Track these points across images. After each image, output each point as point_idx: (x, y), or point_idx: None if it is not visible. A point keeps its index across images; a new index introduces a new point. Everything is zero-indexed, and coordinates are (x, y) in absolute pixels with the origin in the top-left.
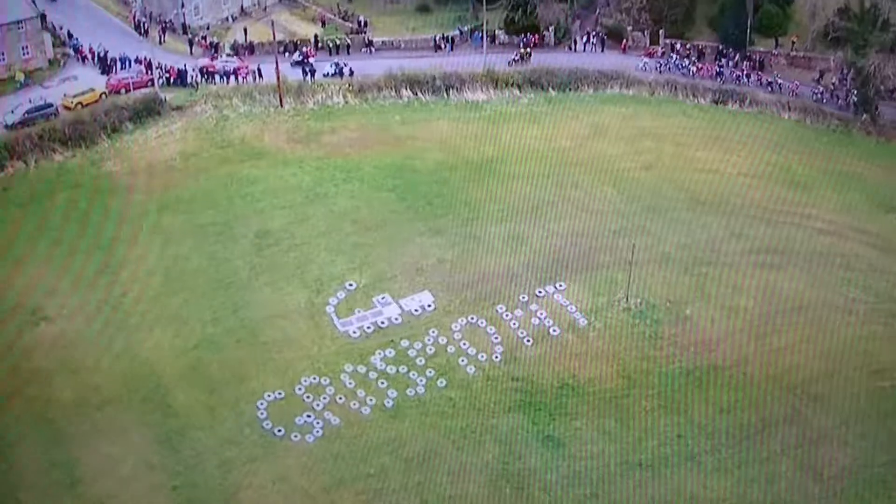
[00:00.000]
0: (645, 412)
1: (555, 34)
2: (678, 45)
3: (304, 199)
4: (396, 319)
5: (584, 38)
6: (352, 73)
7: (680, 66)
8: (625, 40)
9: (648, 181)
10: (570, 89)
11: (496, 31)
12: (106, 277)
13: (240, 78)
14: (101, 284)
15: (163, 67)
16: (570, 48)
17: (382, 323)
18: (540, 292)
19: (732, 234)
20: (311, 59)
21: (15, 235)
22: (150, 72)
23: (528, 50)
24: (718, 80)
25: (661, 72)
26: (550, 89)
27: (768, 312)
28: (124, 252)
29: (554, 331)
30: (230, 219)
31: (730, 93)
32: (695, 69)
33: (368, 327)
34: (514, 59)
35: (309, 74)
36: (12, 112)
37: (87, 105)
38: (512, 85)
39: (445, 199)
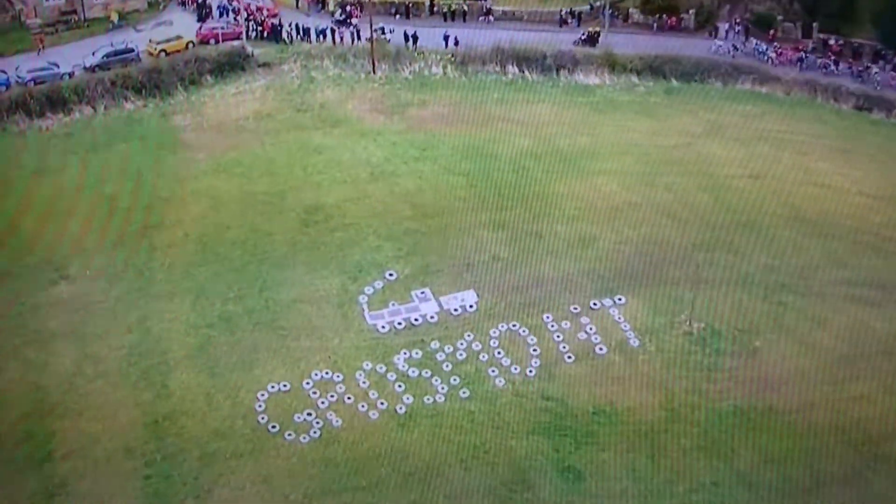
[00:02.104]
0: (682, 452)
1: (696, 17)
2: (832, 41)
3: (369, 175)
4: (432, 318)
5: (728, 25)
6: (457, 42)
7: (824, 65)
8: (773, 30)
9: (751, 191)
10: (695, 80)
11: (630, 10)
12: (141, 240)
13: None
14: (134, 246)
15: (257, 20)
16: (711, 34)
17: (416, 320)
18: (595, 304)
19: (831, 261)
20: (355, 20)
21: (62, 185)
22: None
23: (598, 30)
24: (860, 81)
25: (801, 69)
26: (673, 78)
27: (851, 355)
28: (167, 214)
29: (600, 349)
30: (284, 189)
31: (877, 99)
32: (835, 67)
33: (399, 323)
34: (580, 39)
35: (411, 40)
36: (93, 54)
37: (170, 53)
38: (630, 70)
39: (518, 191)
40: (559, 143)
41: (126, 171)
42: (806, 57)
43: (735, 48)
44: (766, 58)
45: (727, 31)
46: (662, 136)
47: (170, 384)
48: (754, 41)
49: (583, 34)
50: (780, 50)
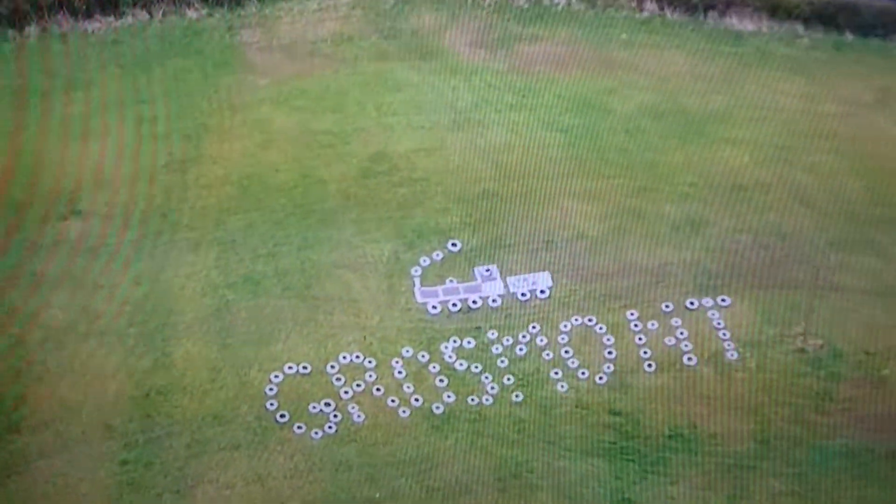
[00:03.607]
0: (771, 496)
1: None
2: None
3: (451, 122)
4: (494, 301)
5: None
6: None
7: None
8: None
9: None
10: (875, 34)
11: None
12: (172, 176)
13: None
14: (163, 182)
15: None
16: None
17: (474, 302)
18: (692, 304)
19: None
20: None
21: (96, 102)
22: None
23: None
24: None
25: None
26: (847, 31)
27: None
28: (209, 147)
29: (689, 359)
30: (350, 130)
31: None
32: None
33: (454, 304)
34: None
35: None
36: None
37: None
38: (796, 17)
39: (625, 156)
40: (687, 101)
41: (173, 92)
42: None
43: None
44: None
45: None
46: (818, 103)
47: (172, 352)
48: None
49: None
50: None
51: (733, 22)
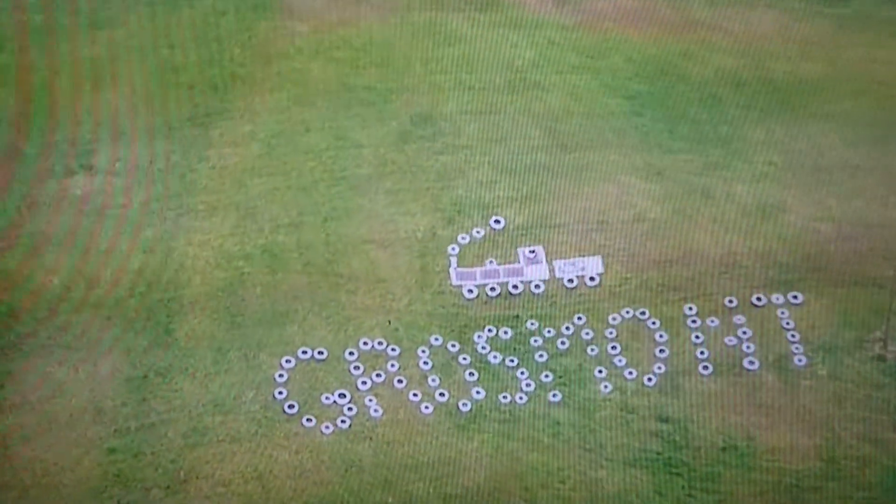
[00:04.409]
0: None
1: None
2: None
3: (506, 83)
4: (537, 287)
5: None
6: None
7: None
8: None
9: None
10: None
11: None
12: (194, 130)
13: None
14: (183, 140)
15: None
16: None
17: (515, 287)
18: (759, 299)
19: None
20: None
21: (118, 45)
22: None
23: None
24: None
25: None
26: None
27: None
28: (237, 99)
29: (751, 362)
30: (393, 87)
31: None
32: None
33: (493, 288)
34: None
35: None
36: None
37: None
38: None
39: (698, 129)
40: (775, 68)
41: (202, 37)
42: None
43: None
44: None
45: None
46: None
47: (175, 329)
48: None
49: None
50: None
51: None
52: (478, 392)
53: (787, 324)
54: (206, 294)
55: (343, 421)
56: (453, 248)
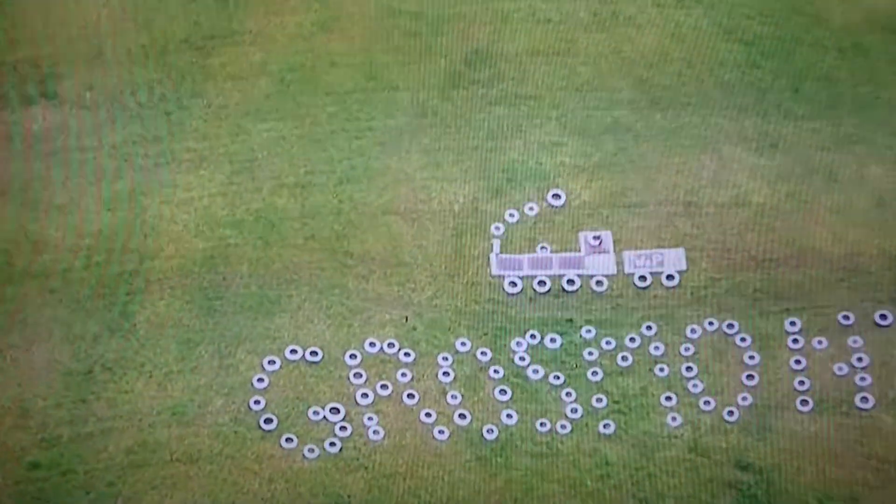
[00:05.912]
0: None
1: None
2: None
3: (591, 16)
4: (600, 283)
5: None
6: None
7: None
8: None
9: None
10: None
11: None
12: (191, 56)
13: None
14: (174, 68)
15: None
16: None
17: (571, 282)
18: (883, 317)
19: None
20: None
21: None
22: None
23: None
24: None
25: None
26: None
27: None
28: (249, 21)
29: (864, 399)
30: (445, 16)
31: None
32: None
33: (543, 282)
34: None
35: None
36: None
37: None
38: None
39: (831, 89)
40: None
41: None
42: None
43: None
44: None
45: None
46: None
47: (135, 312)
48: None
49: None
50: None
51: None
52: (509, 416)
53: None
54: (179, 269)
55: (332, 444)
56: (497, 228)
